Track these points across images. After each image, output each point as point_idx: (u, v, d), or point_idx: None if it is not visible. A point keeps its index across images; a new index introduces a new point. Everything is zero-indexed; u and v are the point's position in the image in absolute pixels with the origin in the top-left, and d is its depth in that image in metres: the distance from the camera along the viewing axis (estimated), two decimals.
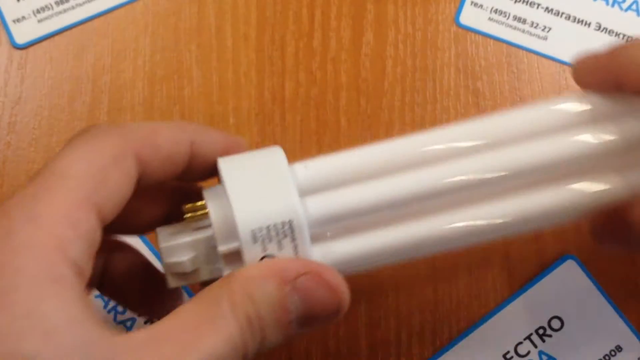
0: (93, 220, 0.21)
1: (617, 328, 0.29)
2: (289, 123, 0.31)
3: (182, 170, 0.23)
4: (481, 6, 0.32)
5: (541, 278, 0.30)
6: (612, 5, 0.32)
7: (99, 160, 0.21)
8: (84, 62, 0.32)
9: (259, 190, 0.22)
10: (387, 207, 0.24)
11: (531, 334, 0.29)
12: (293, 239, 0.22)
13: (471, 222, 0.24)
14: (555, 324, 0.29)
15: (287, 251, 0.22)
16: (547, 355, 0.29)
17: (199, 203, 0.23)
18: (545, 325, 0.29)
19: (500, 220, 0.24)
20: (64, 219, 0.20)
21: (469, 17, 0.32)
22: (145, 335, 0.19)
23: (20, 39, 0.32)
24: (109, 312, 0.29)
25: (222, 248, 0.22)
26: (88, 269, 0.20)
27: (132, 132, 0.22)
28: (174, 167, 0.23)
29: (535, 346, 0.29)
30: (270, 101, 0.31)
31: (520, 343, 0.29)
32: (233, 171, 0.23)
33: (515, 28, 0.32)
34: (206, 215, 0.22)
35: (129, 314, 0.29)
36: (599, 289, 0.29)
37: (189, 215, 0.23)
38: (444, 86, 0.31)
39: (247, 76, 0.32)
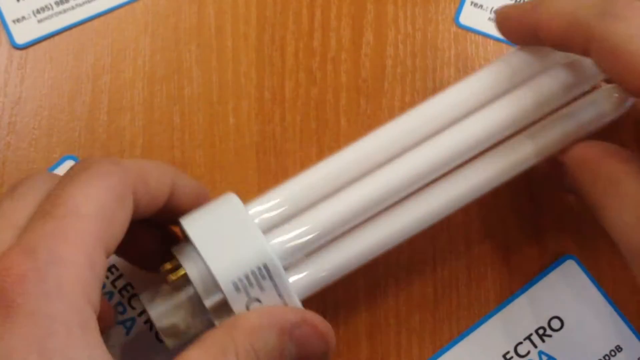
0: (104, 259, 0.21)
1: (617, 328, 0.29)
2: (289, 123, 0.31)
3: (160, 210, 0.24)
4: (481, 6, 0.32)
5: (541, 278, 0.30)
6: None
7: (107, 200, 0.22)
8: (84, 62, 0.32)
9: (227, 243, 0.24)
10: (347, 222, 0.26)
11: (531, 334, 0.29)
12: (271, 279, 0.24)
13: (416, 213, 0.27)
14: (555, 324, 0.29)
15: (269, 291, 0.24)
16: (547, 355, 0.29)
17: (171, 264, 0.25)
18: (545, 325, 0.29)
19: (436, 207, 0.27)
20: (86, 261, 0.21)
21: (469, 17, 0.32)
22: None
23: (20, 39, 0.32)
24: None
25: (208, 303, 0.24)
26: (99, 305, 0.21)
27: (128, 170, 0.23)
28: (156, 205, 0.24)
29: (535, 346, 0.29)
30: (270, 101, 0.31)
31: (520, 343, 0.29)
32: (199, 230, 0.24)
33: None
34: (184, 275, 0.24)
35: (129, 314, 0.29)
36: (599, 289, 0.29)
37: (171, 278, 0.24)
38: (444, 86, 0.31)
39: (247, 76, 0.32)
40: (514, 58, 0.27)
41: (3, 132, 0.31)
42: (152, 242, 0.26)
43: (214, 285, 0.24)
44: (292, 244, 0.25)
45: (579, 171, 0.26)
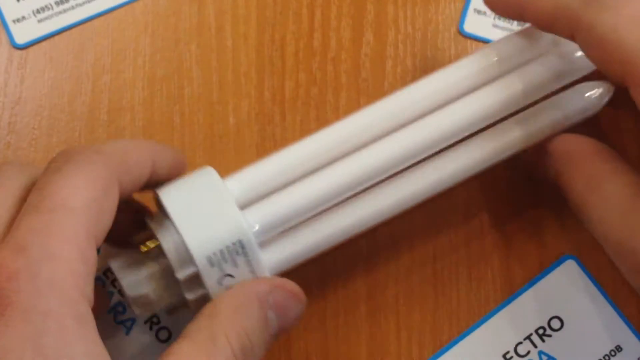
0: (95, 251, 0.21)
1: (617, 328, 0.29)
2: (289, 123, 0.31)
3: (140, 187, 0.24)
4: (485, 13, 0.32)
5: (541, 278, 0.30)
6: None
7: (94, 192, 0.22)
8: (84, 62, 0.32)
9: (204, 217, 0.24)
10: (324, 202, 0.26)
11: (531, 334, 0.29)
12: (245, 255, 0.24)
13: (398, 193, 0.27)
14: (555, 324, 0.29)
15: (242, 267, 0.24)
16: (547, 355, 0.29)
17: (144, 234, 0.25)
18: (545, 325, 0.29)
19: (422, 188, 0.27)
20: (78, 255, 0.21)
21: (473, 24, 0.32)
22: None
23: (20, 39, 0.32)
24: (108, 312, 0.28)
25: (181, 275, 0.24)
26: (93, 298, 0.21)
27: (111, 157, 0.23)
28: (138, 186, 0.24)
29: (535, 346, 0.29)
30: (270, 101, 0.31)
31: (520, 343, 0.29)
32: (176, 202, 0.24)
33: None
34: (158, 246, 0.24)
35: (128, 314, 0.29)
36: (599, 289, 0.29)
37: (144, 249, 0.24)
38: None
39: (247, 76, 0.32)
40: (504, 45, 0.27)
41: (3, 132, 0.31)
42: (125, 216, 0.26)
43: (188, 259, 0.24)
44: (268, 220, 0.25)
45: (563, 166, 0.27)
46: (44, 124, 0.31)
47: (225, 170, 0.31)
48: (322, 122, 0.31)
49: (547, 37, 0.27)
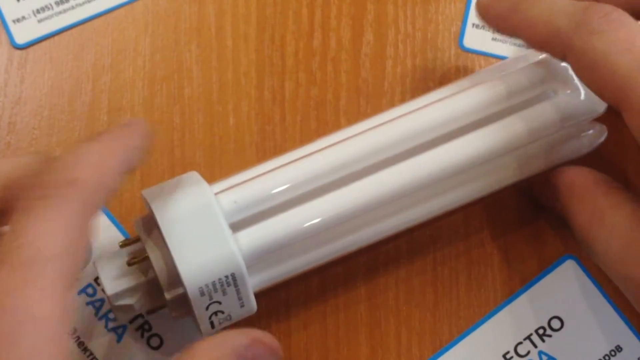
0: (74, 296, 0.21)
1: (617, 328, 0.29)
2: (289, 123, 0.31)
3: None
4: (483, 27, 0.32)
5: (541, 278, 0.30)
6: None
7: (72, 235, 0.20)
8: (84, 62, 0.32)
9: (198, 245, 0.24)
10: (323, 229, 0.26)
11: (531, 334, 0.29)
12: (236, 286, 0.24)
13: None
14: (555, 324, 0.29)
15: (231, 295, 0.24)
16: (547, 355, 0.29)
17: (130, 240, 0.25)
18: (545, 325, 0.29)
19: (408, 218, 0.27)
20: (59, 312, 0.19)
21: (473, 39, 0.32)
22: None
23: (20, 39, 0.32)
24: (100, 319, 0.28)
25: (169, 296, 0.24)
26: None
27: (86, 185, 0.21)
28: (114, 191, 0.22)
29: (535, 346, 0.29)
30: (270, 101, 0.31)
31: (520, 343, 0.29)
32: (169, 222, 0.24)
33: (520, 45, 0.32)
34: (147, 260, 0.24)
35: (120, 321, 0.29)
36: (599, 289, 0.29)
37: (134, 262, 0.24)
38: (444, 86, 0.31)
39: (247, 76, 0.32)
40: (516, 78, 0.27)
41: (3, 132, 0.31)
42: None
43: (178, 282, 0.24)
44: (261, 248, 0.25)
45: (566, 199, 0.27)
46: (44, 124, 0.31)
47: (225, 170, 0.31)
48: (322, 122, 0.31)
49: (561, 72, 0.27)
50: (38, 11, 0.32)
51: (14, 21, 0.32)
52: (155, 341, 0.28)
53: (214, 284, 0.24)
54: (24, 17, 0.32)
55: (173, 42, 0.32)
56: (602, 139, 0.29)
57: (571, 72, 0.27)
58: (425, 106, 0.27)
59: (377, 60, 0.32)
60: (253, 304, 0.25)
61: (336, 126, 0.31)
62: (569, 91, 0.27)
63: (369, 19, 0.32)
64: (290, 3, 0.32)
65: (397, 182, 0.26)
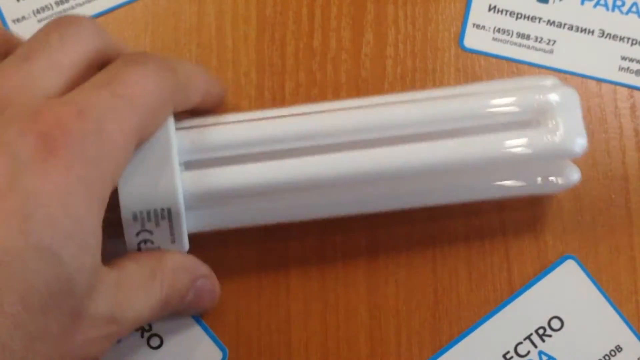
0: (133, 150, 0.24)
1: (617, 328, 0.29)
2: None
3: None
4: (483, 27, 0.32)
5: (541, 278, 0.30)
6: (613, 10, 0.32)
7: (157, 100, 0.24)
8: None
9: (145, 174, 0.24)
10: (275, 190, 0.26)
11: (531, 334, 0.29)
12: (170, 221, 0.25)
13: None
14: (555, 324, 0.29)
15: (164, 230, 0.25)
16: (547, 355, 0.29)
17: None
18: (545, 325, 0.29)
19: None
20: (124, 146, 0.23)
21: (473, 39, 0.32)
22: (115, 278, 0.23)
23: None
24: None
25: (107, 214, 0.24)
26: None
27: (179, 79, 0.25)
28: (184, 109, 0.26)
29: (535, 346, 0.29)
30: (270, 101, 0.31)
31: (520, 343, 0.29)
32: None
33: (520, 45, 0.32)
34: None
35: None
36: (599, 289, 0.29)
37: None
38: (444, 86, 0.31)
39: (247, 76, 0.32)
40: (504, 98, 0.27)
41: None
42: None
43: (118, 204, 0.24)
44: (208, 192, 0.25)
45: None
46: None
47: None
48: None
49: (548, 105, 0.27)
50: (38, 11, 0.32)
51: (14, 21, 0.32)
52: (155, 341, 0.28)
53: (148, 212, 0.24)
54: (24, 17, 0.32)
55: (173, 42, 0.32)
56: (575, 182, 0.28)
57: (557, 106, 0.26)
58: (415, 100, 0.27)
59: (377, 60, 0.32)
60: (185, 243, 0.26)
61: None
62: (550, 125, 0.26)
63: (369, 19, 0.32)
64: (290, 3, 0.32)
65: (350, 164, 0.26)
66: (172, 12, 0.32)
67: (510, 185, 0.28)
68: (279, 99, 0.31)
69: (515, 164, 0.27)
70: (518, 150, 0.26)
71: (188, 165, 0.26)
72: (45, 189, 0.20)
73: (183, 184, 0.25)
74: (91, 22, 0.25)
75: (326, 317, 0.29)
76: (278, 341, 0.29)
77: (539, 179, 0.28)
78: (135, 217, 0.24)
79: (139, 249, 0.25)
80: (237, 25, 0.32)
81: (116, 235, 0.26)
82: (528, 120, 0.27)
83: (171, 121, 0.25)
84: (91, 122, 0.21)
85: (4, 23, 0.32)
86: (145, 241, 0.25)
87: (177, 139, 0.25)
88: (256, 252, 0.30)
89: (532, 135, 0.26)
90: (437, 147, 0.26)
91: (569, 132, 0.26)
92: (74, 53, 0.24)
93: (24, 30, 0.32)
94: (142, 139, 0.24)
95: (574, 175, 0.28)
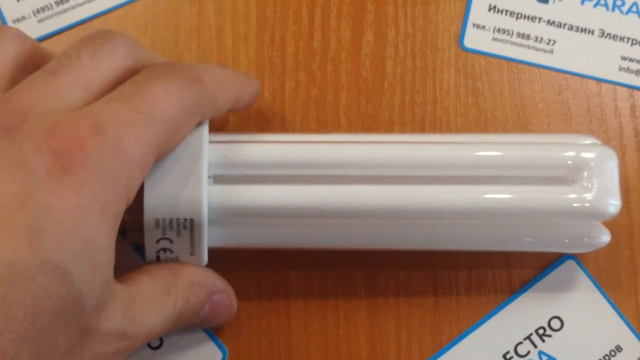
0: (152, 164, 0.24)
1: (617, 328, 0.29)
2: (288, 123, 0.31)
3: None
4: (483, 27, 0.32)
5: (541, 278, 0.30)
6: (613, 10, 0.32)
7: (180, 113, 0.23)
8: None
9: (172, 182, 0.24)
10: (293, 215, 0.26)
11: (531, 334, 0.29)
12: (191, 232, 0.25)
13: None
14: (555, 324, 0.29)
15: (184, 240, 0.25)
16: (547, 355, 0.29)
17: None
18: (545, 325, 0.29)
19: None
20: (142, 162, 0.23)
21: (473, 39, 0.32)
22: (128, 293, 0.23)
23: None
24: None
25: (128, 217, 0.24)
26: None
27: (207, 91, 0.24)
28: (215, 115, 0.26)
29: (535, 346, 0.29)
30: (270, 101, 0.31)
31: (520, 343, 0.29)
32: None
33: (520, 45, 0.32)
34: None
35: None
36: (599, 289, 0.29)
37: None
38: (444, 86, 0.31)
39: None
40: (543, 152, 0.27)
41: None
42: None
43: (142, 209, 0.24)
44: (234, 209, 0.25)
45: None
46: None
47: None
48: (322, 122, 0.31)
49: (584, 163, 0.26)
50: (38, 11, 0.32)
51: (14, 21, 0.32)
52: (155, 341, 0.28)
53: (171, 220, 0.24)
54: (24, 17, 0.32)
55: (173, 42, 0.32)
56: (602, 245, 0.28)
57: (593, 165, 0.26)
58: (454, 142, 0.27)
59: (377, 60, 0.32)
60: (204, 256, 0.26)
61: (336, 126, 0.31)
62: (583, 185, 0.26)
63: (369, 19, 0.32)
64: (290, 3, 0.32)
65: (381, 200, 0.26)
66: (172, 12, 0.32)
67: (535, 241, 0.28)
68: (279, 99, 0.31)
69: (544, 217, 0.27)
70: (548, 203, 0.26)
71: (217, 179, 0.26)
72: (58, 206, 0.20)
73: (210, 196, 0.25)
74: (126, 39, 0.25)
75: (326, 317, 0.29)
76: (278, 341, 0.29)
77: (567, 239, 0.28)
78: (157, 224, 0.24)
79: (157, 257, 0.25)
80: (237, 25, 0.32)
81: (137, 240, 0.26)
82: (563, 177, 0.26)
83: (206, 132, 0.25)
84: (108, 137, 0.21)
85: (4, 23, 0.32)
86: (164, 250, 0.25)
87: (210, 151, 0.25)
88: (257, 252, 0.30)
89: (564, 191, 0.26)
90: (464, 192, 0.26)
91: (603, 193, 0.25)
92: (105, 70, 0.24)
93: (24, 30, 0.32)
94: (162, 153, 0.23)
95: (604, 237, 0.27)
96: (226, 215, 0.26)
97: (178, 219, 0.24)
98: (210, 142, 0.25)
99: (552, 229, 0.27)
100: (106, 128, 0.21)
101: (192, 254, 0.25)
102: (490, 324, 0.29)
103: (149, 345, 0.28)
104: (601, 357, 0.29)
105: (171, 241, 0.25)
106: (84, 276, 0.20)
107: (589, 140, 0.27)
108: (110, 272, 0.22)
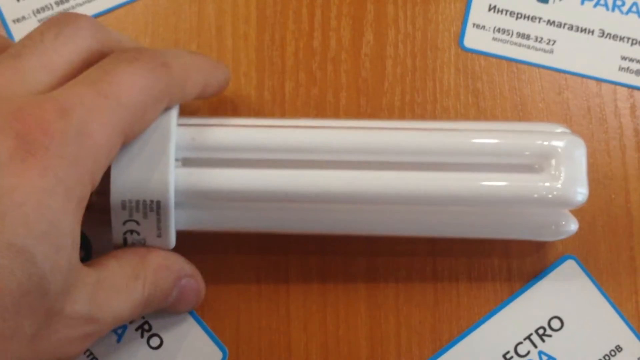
0: (119, 148, 0.24)
1: (617, 328, 0.29)
2: None
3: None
4: (483, 27, 0.32)
5: (541, 278, 0.30)
6: (613, 10, 0.32)
7: (146, 100, 0.23)
8: None
9: (142, 162, 0.24)
10: (259, 199, 0.26)
11: (531, 334, 0.29)
12: (158, 214, 0.25)
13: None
14: (555, 324, 0.29)
15: (151, 222, 0.25)
16: (547, 355, 0.29)
17: None
18: (545, 325, 0.29)
19: None
20: (107, 146, 0.23)
21: (473, 39, 0.32)
22: (95, 278, 0.23)
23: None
24: None
25: (95, 198, 0.24)
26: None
27: (174, 76, 0.24)
28: (183, 101, 0.26)
29: (535, 346, 0.29)
30: (270, 101, 0.31)
31: (520, 343, 0.29)
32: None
33: (520, 45, 0.32)
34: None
35: None
36: (599, 289, 0.29)
37: None
38: (444, 86, 0.31)
39: (247, 76, 0.32)
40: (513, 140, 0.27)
41: None
42: None
43: (109, 190, 0.24)
44: (202, 192, 0.25)
45: None
46: None
47: None
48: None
49: (552, 151, 0.26)
50: (38, 11, 0.32)
51: (14, 21, 0.32)
52: (155, 341, 0.28)
53: (137, 202, 0.24)
54: (24, 17, 0.32)
55: (173, 42, 0.32)
56: (570, 233, 0.28)
57: (561, 153, 0.26)
58: (422, 129, 0.27)
59: (377, 60, 0.32)
60: (171, 239, 0.26)
61: None
62: (551, 173, 0.26)
63: (369, 19, 0.32)
64: (290, 3, 0.32)
65: (347, 185, 0.26)
66: (172, 12, 0.32)
67: (507, 229, 0.28)
68: (279, 99, 0.31)
69: (511, 205, 0.27)
70: (516, 191, 0.26)
71: (186, 162, 0.26)
72: (22, 189, 0.20)
73: (177, 179, 0.25)
74: (89, 21, 0.25)
75: (326, 317, 0.29)
76: (278, 341, 0.29)
77: (535, 227, 0.28)
78: (124, 206, 0.24)
79: (124, 239, 0.25)
80: (237, 25, 0.32)
81: (104, 222, 0.26)
82: (531, 164, 0.26)
83: (174, 115, 0.25)
84: (73, 121, 0.21)
85: (4, 23, 0.32)
86: (131, 231, 0.25)
87: (179, 134, 0.25)
88: (256, 252, 0.30)
89: (532, 179, 0.26)
90: (430, 178, 0.26)
91: (570, 181, 0.26)
92: (68, 52, 0.23)
93: (24, 30, 0.32)
94: (129, 137, 0.23)
95: (571, 226, 0.28)
96: (193, 198, 0.26)
97: (144, 201, 0.24)
98: (179, 125, 0.26)
99: (519, 216, 0.27)
100: (71, 112, 0.21)
101: (159, 236, 0.25)
102: (490, 324, 0.29)
103: (149, 345, 0.28)
104: (601, 357, 0.29)
105: (138, 223, 0.25)
106: (48, 259, 0.20)
107: (559, 129, 0.27)
108: (75, 255, 0.22)
